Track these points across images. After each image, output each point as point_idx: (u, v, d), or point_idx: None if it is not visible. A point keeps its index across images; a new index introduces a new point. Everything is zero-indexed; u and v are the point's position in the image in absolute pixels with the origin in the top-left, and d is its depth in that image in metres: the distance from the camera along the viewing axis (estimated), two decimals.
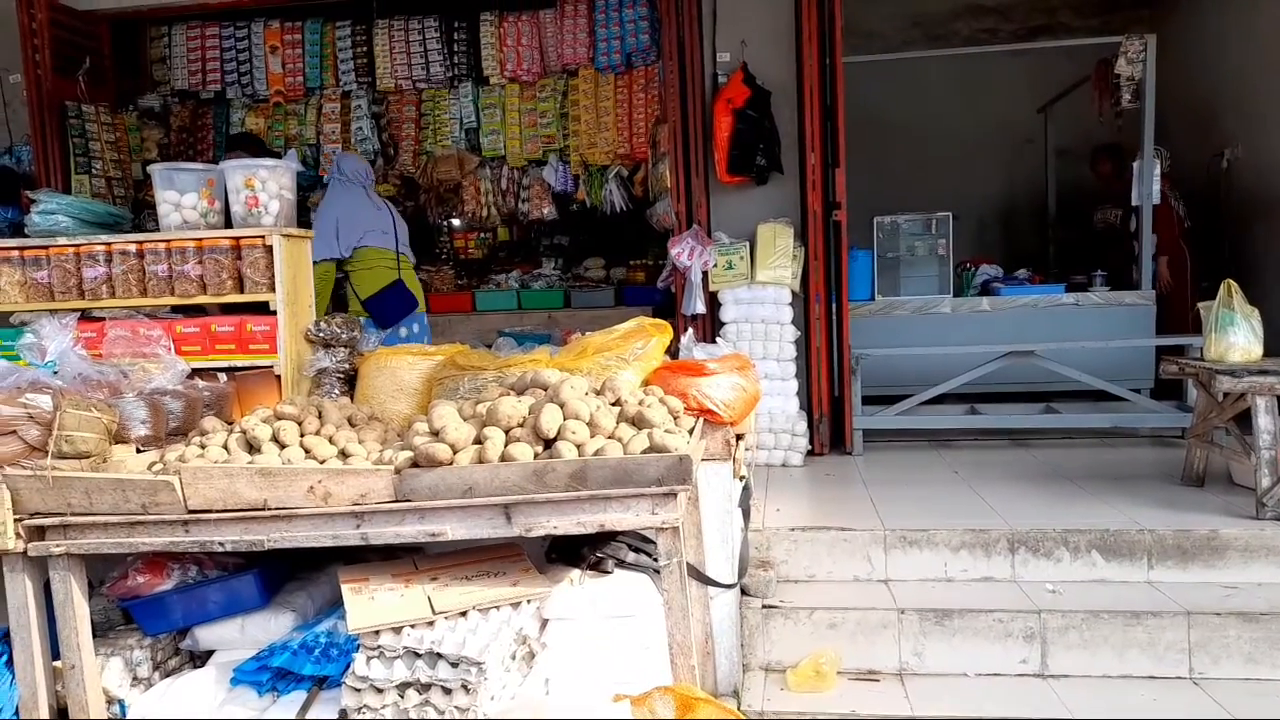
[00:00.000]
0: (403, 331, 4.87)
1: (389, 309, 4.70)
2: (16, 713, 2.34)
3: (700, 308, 5.18)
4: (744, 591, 3.51)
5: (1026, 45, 7.14)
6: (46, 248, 3.37)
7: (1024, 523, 3.79)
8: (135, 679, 2.43)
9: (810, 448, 5.15)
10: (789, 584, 3.74)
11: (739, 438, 3.18)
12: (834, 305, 5.29)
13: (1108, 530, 3.69)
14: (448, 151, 6.87)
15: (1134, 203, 5.82)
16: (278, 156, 5.16)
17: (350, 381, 3.43)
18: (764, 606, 3.51)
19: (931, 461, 5.05)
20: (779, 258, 5.07)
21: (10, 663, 2.36)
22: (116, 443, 2.55)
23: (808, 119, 5.16)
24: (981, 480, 4.51)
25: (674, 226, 5.39)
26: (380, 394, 3.24)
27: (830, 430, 5.29)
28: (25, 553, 2.31)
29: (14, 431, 2.39)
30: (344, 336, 3.48)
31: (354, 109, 6.87)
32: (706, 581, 2.92)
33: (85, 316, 3.32)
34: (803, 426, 5.07)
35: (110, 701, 2.39)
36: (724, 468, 3.06)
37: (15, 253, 3.39)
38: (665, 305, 6.01)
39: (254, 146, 5.31)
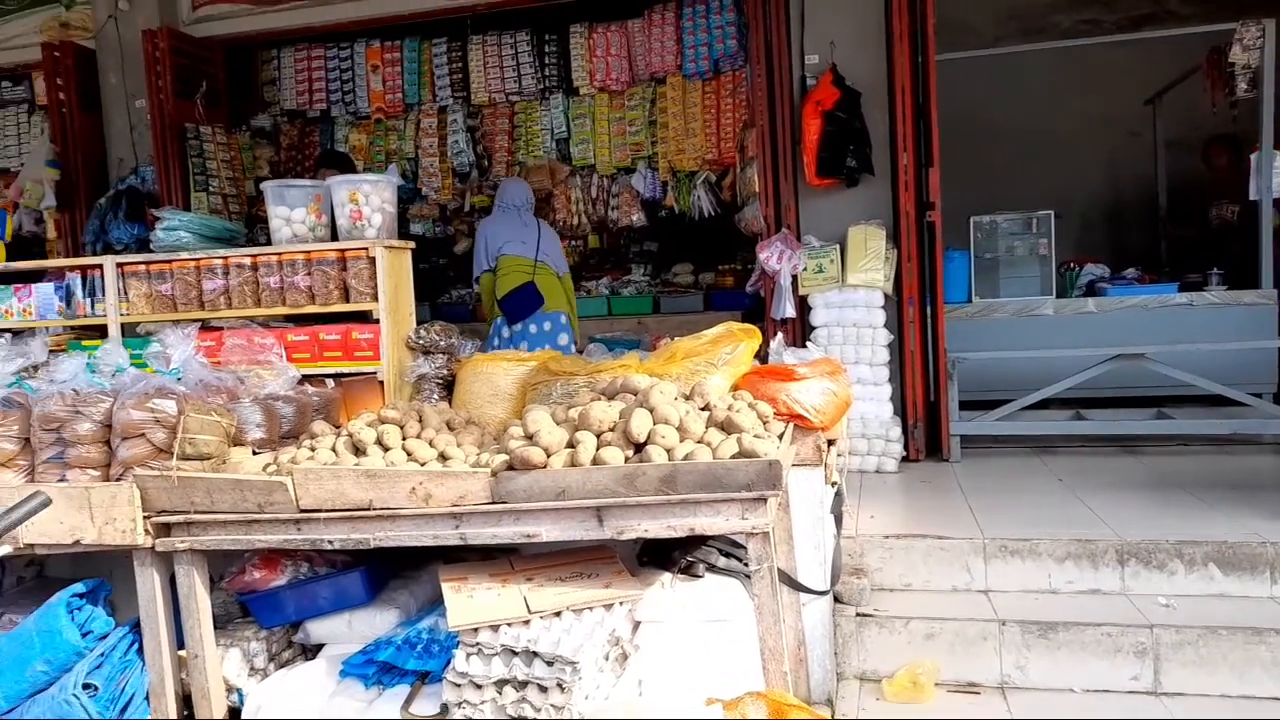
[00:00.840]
0: (532, 329, 5.18)
1: (517, 306, 5.14)
2: (146, 698, 2.50)
3: (790, 312, 5.14)
4: (837, 599, 3.47)
5: (1133, 36, 6.81)
6: (170, 262, 3.60)
7: (1134, 533, 3.62)
8: (252, 669, 2.56)
9: (905, 454, 5.05)
10: (884, 592, 3.68)
11: (830, 443, 3.15)
12: (929, 308, 5.18)
13: (1226, 542, 3.50)
14: (539, 162, 7.02)
15: (1251, 196, 5.50)
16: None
17: (449, 387, 3.54)
18: (858, 615, 3.46)
19: (1034, 469, 4.88)
20: (870, 260, 4.99)
21: (141, 651, 2.52)
22: (234, 445, 2.70)
23: (899, 118, 5.07)
24: (1088, 489, 4.34)
25: (762, 231, 5.37)
26: (477, 399, 3.33)
27: (926, 436, 5.17)
28: (153, 548, 2.47)
29: (143, 434, 2.56)
30: (442, 343, 3.60)
31: (450, 123, 7.10)
32: (798, 588, 2.90)
33: (204, 326, 3.53)
34: (897, 432, 4.97)
35: (230, 690, 2.53)
36: (815, 473, 3.03)
37: (142, 267, 3.64)
38: (754, 310, 5.99)
39: (343, 163, 5.61)
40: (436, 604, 2.62)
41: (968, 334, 5.50)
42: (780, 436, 2.62)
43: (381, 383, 3.45)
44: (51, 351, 3.05)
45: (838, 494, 3.39)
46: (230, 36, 6.54)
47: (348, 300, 3.51)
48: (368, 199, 3.56)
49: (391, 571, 2.78)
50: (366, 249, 3.48)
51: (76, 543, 2.47)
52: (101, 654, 2.47)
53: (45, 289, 3.80)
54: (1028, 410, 5.16)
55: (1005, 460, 5.09)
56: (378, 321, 3.47)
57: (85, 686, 2.40)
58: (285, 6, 6.33)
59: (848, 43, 5.26)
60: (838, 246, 5.07)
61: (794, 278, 5.11)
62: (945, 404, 5.07)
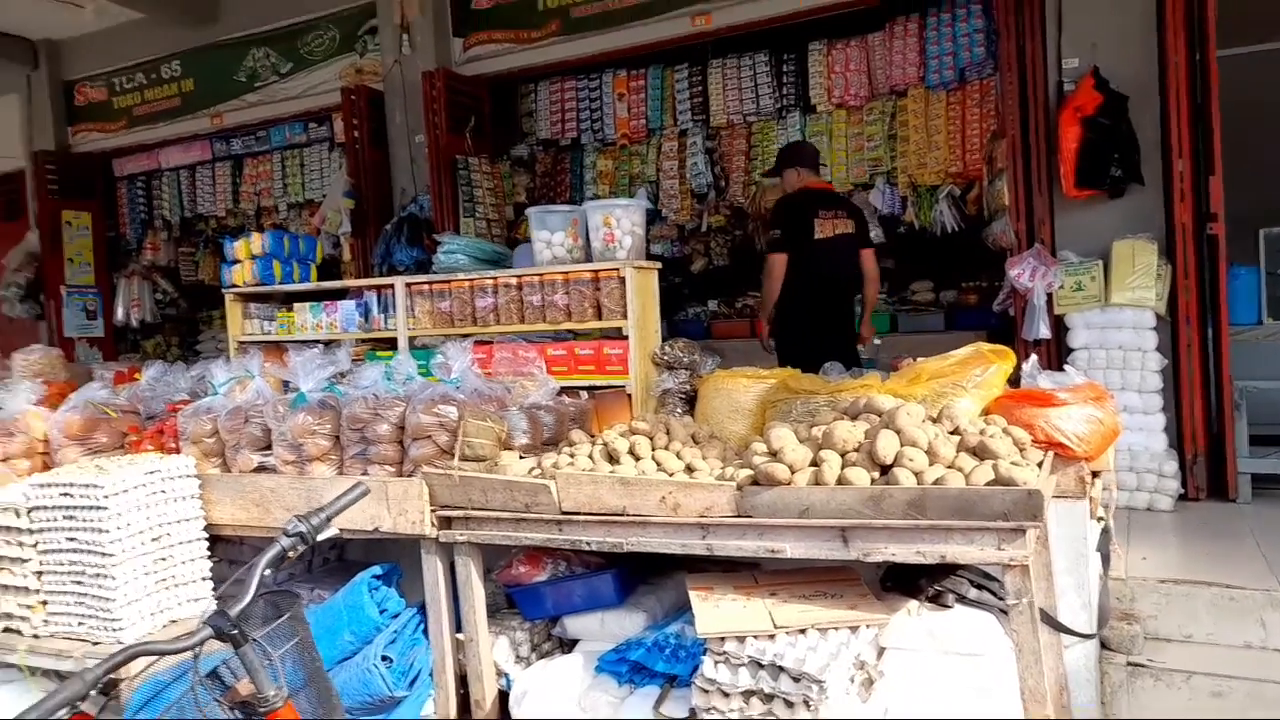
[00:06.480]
0: None
1: None
2: (430, 674, 2.79)
3: (1044, 332, 4.83)
4: (1104, 645, 3.22)
5: None
6: (449, 282, 4.00)
7: None
8: (518, 657, 2.79)
9: (1182, 491, 4.58)
10: (1159, 642, 3.36)
11: (1094, 475, 2.95)
12: (1210, 330, 4.68)
13: None
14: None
15: None
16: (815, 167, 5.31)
17: (690, 401, 3.67)
18: (1129, 664, 3.19)
19: None
20: (1139, 277, 4.60)
21: (425, 631, 2.82)
22: (503, 449, 2.96)
23: (1173, 122, 4.64)
24: None
25: (1012, 246, 5.10)
26: (718, 414, 3.43)
27: (1208, 473, 4.66)
28: (437, 539, 2.76)
29: (429, 436, 2.88)
30: (685, 360, 3.74)
31: (689, 145, 7.32)
32: (1060, 628, 2.74)
33: (476, 340, 3.89)
34: (1171, 467, 4.52)
35: (499, 674, 2.77)
36: (1078, 506, 2.85)
37: (426, 287, 4.07)
38: (1000, 329, 5.69)
39: (814, 157, 5.48)
40: (679, 611, 2.72)
41: (1259, 359, 4.91)
42: (1039, 465, 2.50)
43: (629, 395, 3.64)
44: (352, 361, 3.47)
45: (1104, 531, 3.16)
46: (495, 74, 7.15)
47: (600, 318, 3.74)
48: (619, 222, 3.78)
49: (639, 577, 2.93)
50: (618, 269, 3.69)
51: (375, 530, 2.81)
52: (395, 630, 2.78)
53: (348, 305, 4.35)
54: None
55: None
56: (627, 338, 3.67)
57: (383, 659, 2.72)
58: (543, 42, 6.83)
59: (1111, 43, 4.90)
60: (1100, 262, 4.71)
61: (1048, 296, 4.80)
62: (1231, 438, 4.55)
